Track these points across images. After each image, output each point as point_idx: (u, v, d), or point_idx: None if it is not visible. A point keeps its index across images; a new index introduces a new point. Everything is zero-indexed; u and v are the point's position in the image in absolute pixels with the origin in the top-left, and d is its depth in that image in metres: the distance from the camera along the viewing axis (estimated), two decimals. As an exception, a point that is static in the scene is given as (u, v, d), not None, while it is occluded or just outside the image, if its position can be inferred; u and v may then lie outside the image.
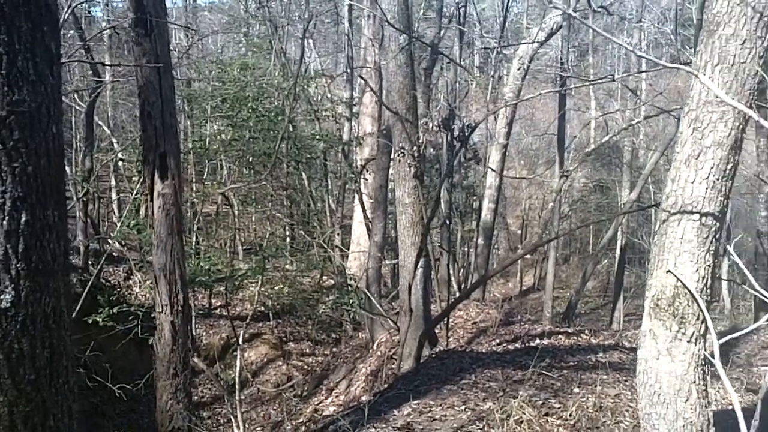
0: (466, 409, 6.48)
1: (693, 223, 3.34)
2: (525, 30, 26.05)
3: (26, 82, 2.33)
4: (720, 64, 3.26)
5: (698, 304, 3.33)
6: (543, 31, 15.58)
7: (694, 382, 3.38)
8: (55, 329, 2.49)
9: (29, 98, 2.34)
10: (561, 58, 16.91)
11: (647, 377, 3.50)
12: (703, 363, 3.43)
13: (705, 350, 3.42)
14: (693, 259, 3.36)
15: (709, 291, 3.40)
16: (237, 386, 8.07)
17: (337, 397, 11.88)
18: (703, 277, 3.36)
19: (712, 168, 3.31)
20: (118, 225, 14.42)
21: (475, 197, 21.91)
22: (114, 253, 15.99)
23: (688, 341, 3.37)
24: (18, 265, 2.33)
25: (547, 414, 6.02)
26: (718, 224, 3.37)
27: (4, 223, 2.29)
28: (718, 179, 3.32)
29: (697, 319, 3.36)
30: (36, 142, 2.37)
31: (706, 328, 3.37)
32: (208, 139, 16.59)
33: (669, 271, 3.40)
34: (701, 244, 3.35)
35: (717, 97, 3.21)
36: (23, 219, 2.33)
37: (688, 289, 3.34)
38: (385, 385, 9.54)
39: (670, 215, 3.41)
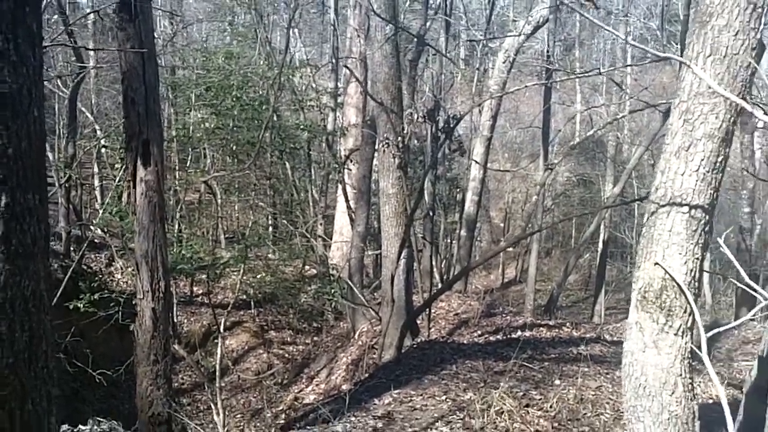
0: (447, 400, 6.50)
1: (682, 215, 3.34)
2: (511, 23, 26.02)
3: (7, 63, 2.30)
4: (712, 56, 3.25)
5: (686, 297, 3.33)
6: (529, 24, 15.58)
7: (680, 375, 3.39)
8: (34, 313, 2.46)
9: (10, 79, 2.30)
10: (547, 52, 16.94)
11: (633, 369, 3.49)
12: (690, 356, 3.43)
13: (692, 343, 3.42)
14: (681, 251, 3.35)
15: (696, 284, 3.40)
16: (218, 373, 8.04)
17: (317, 385, 11.88)
18: (691, 270, 3.36)
19: (702, 160, 3.30)
20: (101, 212, 14.34)
21: (458, 189, 21.93)
22: (96, 240, 15.88)
23: (675, 334, 3.37)
24: (-2, 248, 2.30)
25: (527, 405, 6.05)
26: (707, 217, 3.36)
27: (-16, 205, 2.25)
28: (708, 171, 3.31)
29: (685, 312, 3.36)
30: (17, 125, 2.34)
31: (693, 321, 3.37)
32: (191, 127, 16.50)
33: (657, 264, 3.40)
34: (690, 236, 3.35)
35: (709, 88, 3.20)
36: (3, 202, 2.30)
37: (677, 282, 3.33)
38: (366, 375, 9.56)
39: (659, 207, 3.40)
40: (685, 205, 3.33)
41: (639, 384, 3.44)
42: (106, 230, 15.11)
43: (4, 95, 2.28)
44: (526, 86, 12.88)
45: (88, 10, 20.10)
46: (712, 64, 3.25)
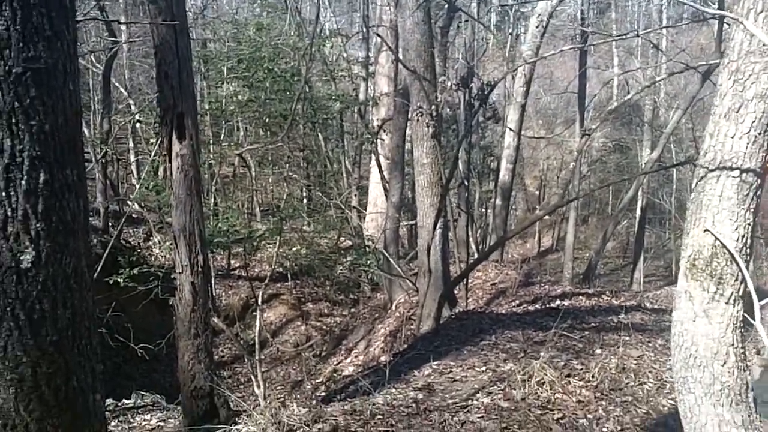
0: (487, 370, 6.46)
1: (733, 179, 3.20)
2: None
3: (42, 38, 2.26)
4: (764, 12, 3.10)
5: (737, 264, 3.21)
6: (562, -13, 15.28)
7: (732, 344, 3.27)
8: (76, 290, 2.45)
9: (45, 55, 2.27)
10: (581, 14, 16.62)
11: (682, 340, 3.38)
12: (741, 325, 3.32)
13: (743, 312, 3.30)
14: (732, 217, 3.22)
15: (748, 250, 3.28)
16: (257, 346, 8.07)
17: (356, 357, 11.93)
18: (743, 236, 3.23)
19: (753, 122, 3.15)
20: (137, 186, 14.43)
21: (492, 157, 21.78)
22: (133, 215, 16.04)
23: (726, 302, 3.25)
24: (38, 225, 2.29)
25: (569, 375, 5.98)
26: (758, 181, 3.22)
27: (23, 182, 2.24)
28: (759, 134, 3.17)
29: (736, 279, 3.24)
30: (53, 100, 2.31)
31: (745, 288, 3.26)
32: (224, 100, 16.50)
33: (707, 230, 3.28)
34: (741, 201, 3.21)
35: (762, 45, 3.05)
36: (42, 178, 2.28)
37: (727, 249, 3.22)
38: (405, 346, 9.55)
39: (708, 172, 3.27)
40: (736, 169, 3.20)
41: (689, 354, 3.33)
42: (143, 205, 15.22)
43: (40, 71, 2.25)
44: (561, 51, 12.62)
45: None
46: (764, 20, 3.11)
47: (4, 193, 2.22)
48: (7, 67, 2.18)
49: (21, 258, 2.27)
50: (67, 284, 2.41)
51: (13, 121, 2.21)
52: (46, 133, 2.28)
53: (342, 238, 17.86)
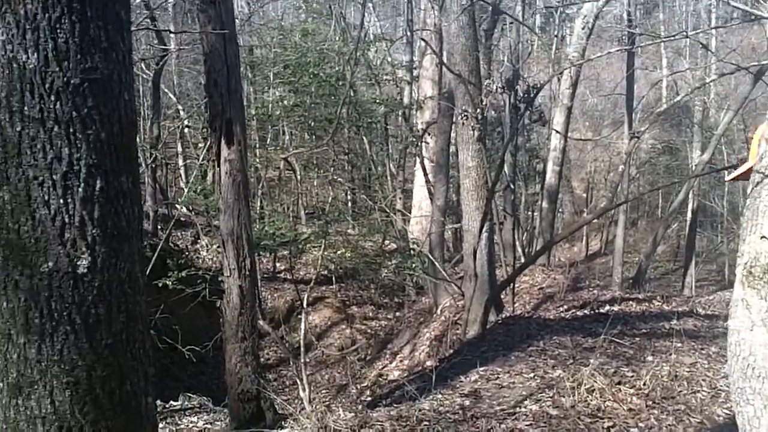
0: (535, 377, 6.40)
1: (791, 185, 3.12)
2: (590, -13, 25.29)
3: (98, 50, 2.32)
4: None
5: (797, 272, 3.13)
6: (609, -12, 15.12)
7: (794, 355, 3.19)
8: (130, 294, 2.50)
9: (102, 65, 2.33)
10: (628, 15, 16.42)
11: (740, 349, 3.29)
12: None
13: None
14: (791, 224, 3.14)
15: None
16: (302, 349, 8.13)
17: (401, 361, 11.92)
18: (803, 244, 3.15)
19: (813, 124, 3.07)
20: (186, 190, 14.64)
21: (538, 160, 21.61)
22: (181, 218, 16.27)
23: (785, 311, 3.17)
24: (94, 232, 2.35)
25: (619, 383, 5.89)
26: (818, 186, 3.12)
27: (80, 189, 2.30)
28: (820, 136, 3.08)
29: (796, 288, 3.15)
30: (109, 109, 2.37)
31: (805, 297, 3.17)
32: (270, 105, 16.67)
33: (764, 237, 3.20)
34: (801, 207, 3.12)
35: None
36: (98, 185, 2.34)
37: (787, 256, 3.13)
38: (450, 351, 9.52)
39: (765, 177, 3.19)
40: (795, 174, 3.12)
41: (747, 365, 3.24)
42: (191, 208, 15.46)
43: (96, 81, 2.30)
44: (608, 53, 12.52)
45: (167, -7, 20.47)
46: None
47: (61, 201, 2.28)
48: (65, 78, 2.24)
49: (78, 263, 2.32)
50: (122, 289, 2.46)
51: (71, 130, 2.27)
52: (102, 142, 2.33)
53: (387, 242, 17.88)
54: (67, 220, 2.30)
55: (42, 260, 2.31)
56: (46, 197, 2.28)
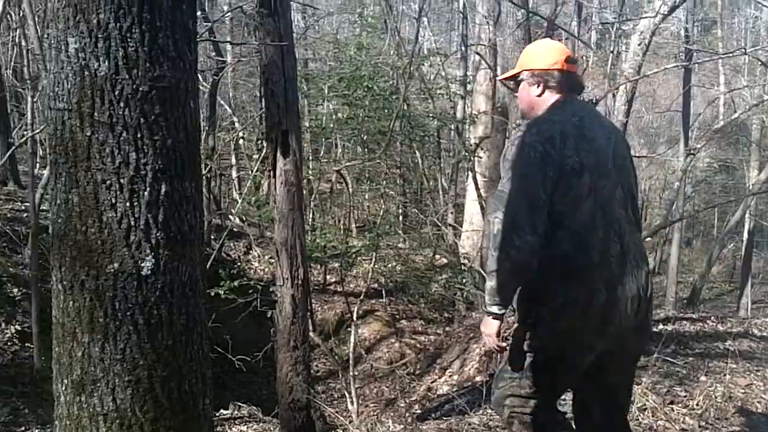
0: (585, 395, 6.31)
1: None
2: (646, 3, 25.02)
3: (166, 59, 2.40)
4: None
5: None
6: (665, 4, 14.93)
7: None
8: (191, 297, 2.56)
9: (169, 74, 2.41)
10: (686, 32, 16.20)
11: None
12: None
13: None
14: None
15: None
16: (351, 362, 8.17)
17: (450, 376, 11.84)
18: None
19: None
20: (239, 201, 14.83)
21: (591, 177, 21.33)
22: (234, 229, 16.46)
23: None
24: (158, 234, 2.42)
25: (672, 402, 5.79)
26: None
27: (146, 194, 2.37)
28: None
29: None
30: (175, 117, 2.44)
31: None
32: (324, 118, 16.82)
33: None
34: None
35: None
36: (163, 190, 2.41)
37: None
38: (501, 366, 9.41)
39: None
40: None
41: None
42: (244, 219, 15.65)
43: (164, 89, 2.38)
44: (664, 69, 12.36)
45: (225, 7, 20.88)
46: None
47: (128, 204, 2.36)
48: (134, 85, 2.32)
49: (142, 265, 2.40)
50: (183, 291, 2.52)
51: (139, 136, 2.35)
52: (168, 148, 2.41)
53: (437, 256, 17.84)
54: (132, 222, 2.38)
55: (108, 261, 2.39)
56: (113, 200, 2.36)
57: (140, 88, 2.34)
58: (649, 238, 24.34)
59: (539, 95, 3.39)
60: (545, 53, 3.50)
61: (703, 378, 6.57)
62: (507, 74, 3.79)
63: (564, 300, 3.07)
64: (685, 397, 5.97)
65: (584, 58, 20.72)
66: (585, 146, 3.08)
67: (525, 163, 3.05)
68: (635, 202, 3.36)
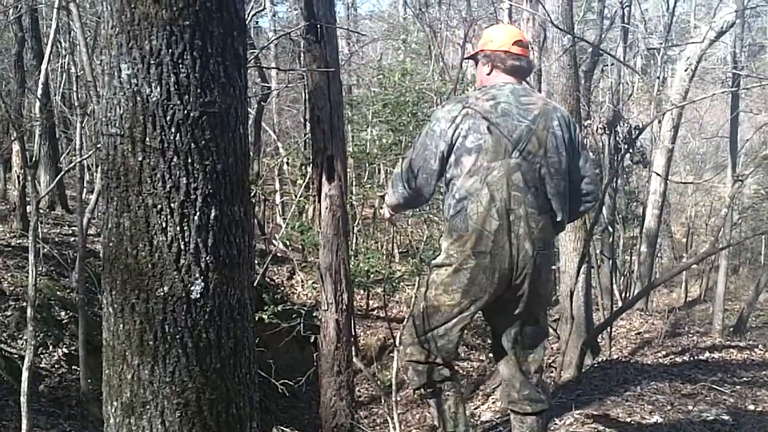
0: (632, 422, 6.20)
1: None
2: (692, 29, 24.85)
3: (217, 85, 2.42)
4: None
5: None
6: (713, 30, 14.79)
7: None
8: (239, 320, 2.58)
9: (219, 100, 2.43)
10: (734, 57, 15.98)
11: None
12: None
13: None
14: None
15: None
16: (393, 387, 8.11)
17: (493, 403, 11.71)
18: None
19: None
20: (283, 227, 14.93)
21: (637, 203, 21.11)
22: (278, 254, 16.57)
23: None
24: (207, 258, 2.43)
25: (718, 431, 5.66)
26: None
27: (196, 218, 2.39)
28: None
29: None
30: (225, 142, 2.47)
31: None
32: (367, 143, 16.89)
33: None
34: None
35: None
36: (212, 214, 2.43)
37: None
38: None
39: None
40: None
41: None
42: (287, 244, 15.74)
43: (214, 114, 2.41)
44: (711, 95, 12.19)
45: (270, 35, 21.20)
46: None
47: (178, 228, 2.38)
48: (186, 111, 2.35)
49: (191, 288, 2.42)
50: (231, 315, 2.54)
51: (189, 161, 2.37)
52: (218, 173, 2.43)
53: (480, 282, 17.69)
54: (182, 246, 2.40)
55: (158, 285, 2.41)
56: (164, 224, 2.38)
57: (191, 114, 2.37)
58: (695, 266, 23.92)
59: (488, 74, 3.70)
60: (497, 35, 3.75)
61: (750, 407, 6.41)
62: (469, 54, 4.06)
63: (445, 257, 3.61)
64: (732, 425, 5.82)
65: (629, 83, 20.60)
66: (485, 129, 3.39)
67: (423, 134, 3.56)
68: (554, 187, 3.56)
